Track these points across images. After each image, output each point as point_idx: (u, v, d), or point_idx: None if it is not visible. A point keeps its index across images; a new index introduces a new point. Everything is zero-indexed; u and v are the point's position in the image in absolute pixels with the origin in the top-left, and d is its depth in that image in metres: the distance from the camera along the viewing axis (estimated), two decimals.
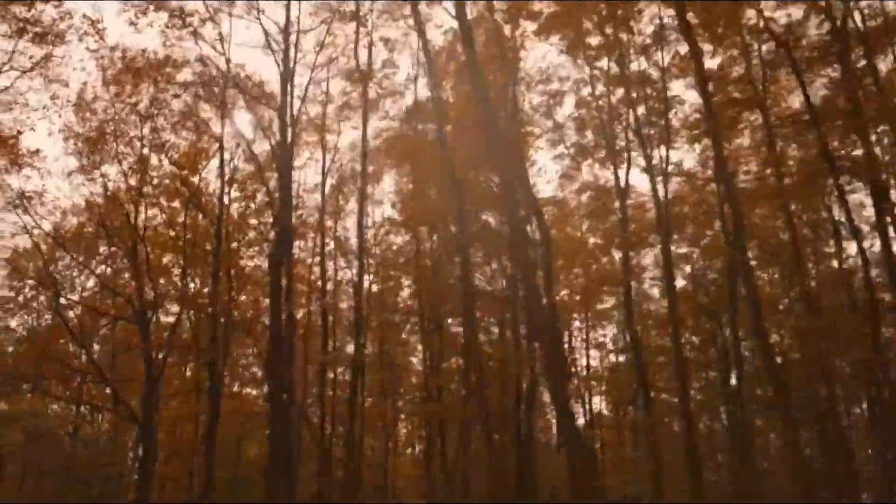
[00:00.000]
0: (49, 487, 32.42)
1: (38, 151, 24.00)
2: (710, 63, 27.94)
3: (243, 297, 32.48)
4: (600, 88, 27.70)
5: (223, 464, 31.80)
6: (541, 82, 28.25)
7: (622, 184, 27.01)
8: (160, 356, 26.18)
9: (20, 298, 38.16)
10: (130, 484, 35.60)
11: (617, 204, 27.46)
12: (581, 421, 43.88)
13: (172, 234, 28.98)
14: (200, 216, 29.65)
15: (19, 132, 21.65)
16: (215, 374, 25.40)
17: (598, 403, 41.63)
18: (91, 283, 35.58)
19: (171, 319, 30.50)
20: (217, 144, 27.88)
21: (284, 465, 18.30)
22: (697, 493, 21.37)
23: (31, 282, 37.26)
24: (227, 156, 27.91)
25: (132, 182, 26.69)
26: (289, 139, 22.38)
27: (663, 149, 25.81)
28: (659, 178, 25.29)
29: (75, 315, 29.12)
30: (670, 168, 25.88)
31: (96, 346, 33.67)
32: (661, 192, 25.02)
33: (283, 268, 21.19)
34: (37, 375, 27.35)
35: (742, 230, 19.53)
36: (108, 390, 35.42)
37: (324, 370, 30.39)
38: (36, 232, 25.07)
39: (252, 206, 29.18)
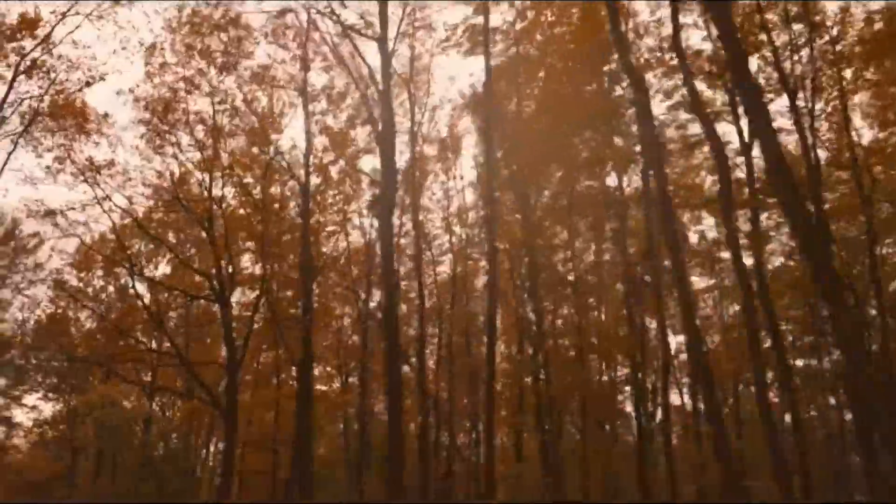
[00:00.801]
0: (124, 484, 30.83)
1: (106, 116, 22.30)
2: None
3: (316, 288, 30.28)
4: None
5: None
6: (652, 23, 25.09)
7: (745, 137, 23.84)
8: (238, 344, 24.18)
9: (90, 290, 36.98)
10: (204, 479, 33.98)
11: (741, 159, 24.20)
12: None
13: (248, 211, 26.87)
14: (274, 191, 27.74)
15: (87, 83, 19.84)
16: (307, 350, 23.17)
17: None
18: (160, 270, 34.10)
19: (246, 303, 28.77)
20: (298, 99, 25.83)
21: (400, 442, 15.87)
22: None
23: (100, 272, 36.31)
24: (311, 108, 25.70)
25: (206, 153, 24.72)
26: (391, 71, 19.97)
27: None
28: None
29: (153, 297, 27.55)
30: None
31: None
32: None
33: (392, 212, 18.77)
34: (111, 357, 25.58)
35: None
36: (178, 382, 33.85)
37: (420, 358, 28.00)
38: (106, 206, 23.19)
39: (334, 177, 27.00)
